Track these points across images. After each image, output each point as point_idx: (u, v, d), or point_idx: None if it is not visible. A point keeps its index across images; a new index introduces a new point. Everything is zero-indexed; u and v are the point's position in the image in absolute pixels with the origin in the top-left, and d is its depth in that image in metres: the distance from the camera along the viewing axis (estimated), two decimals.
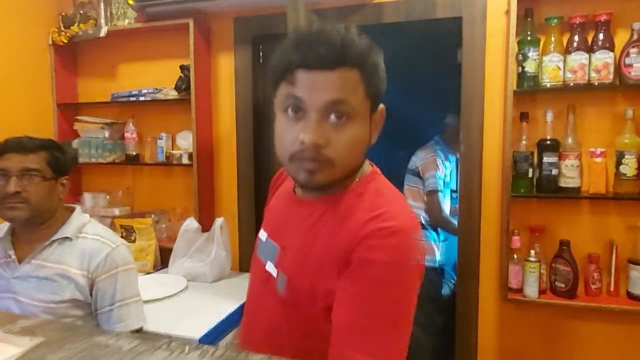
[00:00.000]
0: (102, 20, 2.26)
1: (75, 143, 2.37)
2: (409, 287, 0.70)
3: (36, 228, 1.32)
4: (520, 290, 1.77)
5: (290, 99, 0.72)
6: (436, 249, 2.43)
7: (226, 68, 2.22)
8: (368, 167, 0.83)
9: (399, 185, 2.48)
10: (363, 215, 0.72)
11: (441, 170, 2.42)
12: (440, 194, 2.38)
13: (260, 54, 2.22)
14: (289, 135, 0.72)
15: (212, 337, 1.59)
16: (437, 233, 2.46)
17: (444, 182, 2.44)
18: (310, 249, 0.76)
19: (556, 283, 1.75)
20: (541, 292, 1.75)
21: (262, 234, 0.89)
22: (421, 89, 2.93)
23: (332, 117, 0.70)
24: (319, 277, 0.73)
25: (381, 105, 0.79)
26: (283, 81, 0.72)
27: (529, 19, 1.70)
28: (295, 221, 0.82)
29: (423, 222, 2.41)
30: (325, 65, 0.69)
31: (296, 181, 0.78)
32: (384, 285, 0.67)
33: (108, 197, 2.43)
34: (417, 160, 2.48)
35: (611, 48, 1.62)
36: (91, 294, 1.33)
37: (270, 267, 0.82)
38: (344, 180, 0.77)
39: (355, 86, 0.71)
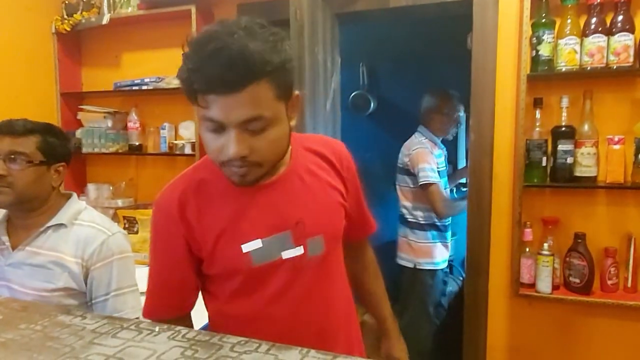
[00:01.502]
0: (105, 8, 2.23)
1: (78, 133, 2.35)
2: None
3: (28, 214, 1.28)
4: (532, 286, 1.71)
5: (207, 121, 0.75)
6: (445, 248, 2.34)
7: None
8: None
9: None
10: (325, 151, 0.95)
11: (433, 162, 2.22)
12: (437, 186, 2.17)
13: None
14: (215, 145, 0.77)
15: None
16: (447, 231, 2.36)
17: (439, 172, 2.25)
18: (317, 203, 0.90)
19: (570, 278, 1.68)
20: (554, 287, 1.69)
21: (255, 243, 0.86)
22: (429, 78, 2.86)
23: (250, 128, 0.75)
24: (335, 213, 0.94)
25: (295, 93, 0.82)
26: (197, 102, 0.74)
27: (544, 0, 1.62)
28: (280, 201, 0.88)
29: (423, 222, 2.26)
30: (231, 88, 0.70)
31: (231, 181, 0.82)
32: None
33: (112, 188, 2.41)
34: (402, 156, 2.29)
35: (631, 30, 1.54)
36: (86, 283, 1.29)
37: (289, 253, 0.87)
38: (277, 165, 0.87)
39: (266, 97, 0.74)
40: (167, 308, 0.94)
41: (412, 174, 2.24)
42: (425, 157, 2.20)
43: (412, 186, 2.26)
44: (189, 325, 0.97)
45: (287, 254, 0.87)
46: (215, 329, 0.93)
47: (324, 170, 0.94)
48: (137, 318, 1.33)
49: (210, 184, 0.88)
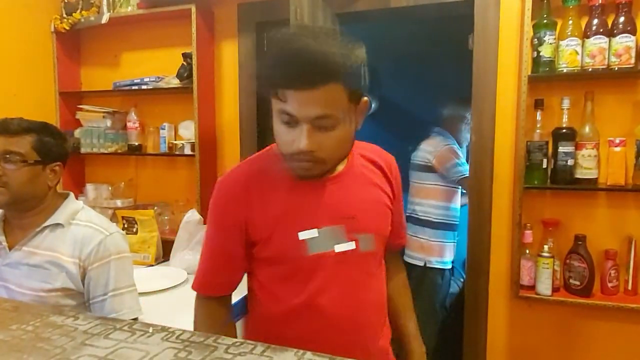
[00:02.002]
0: (105, 7, 2.23)
1: (77, 132, 2.35)
2: None
3: (25, 214, 1.27)
4: (532, 288, 1.70)
5: (283, 114, 0.82)
6: (454, 248, 2.33)
7: (229, 55, 2.17)
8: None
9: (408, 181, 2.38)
10: (378, 159, 1.03)
11: (463, 156, 2.24)
12: None
13: (265, 41, 2.17)
14: (286, 138, 0.84)
15: None
16: (456, 230, 2.34)
17: None
18: (369, 203, 0.97)
19: (570, 280, 1.67)
20: (554, 289, 1.68)
21: (311, 232, 0.91)
22: (430, 78, 2.85)
23: (321, 125, 0.81)
24: (385, 215, 1.01)
25: (364, 98, 0.89)
26: (274, 97, 0.82)
27: (545, 1, 1.61)
28: (336, 196, 0.94)
29: (436, 220, 2.26)
30: (309, 85, 0.77)
31: (295, 173, 0.89)
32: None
33: (110, 188, 2.40)
34: (426, 154, 2.27)
35: (633, 31, 1.53)
36: (83, 283, 1.28)
37: (342, 247, 0.92)
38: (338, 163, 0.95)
39: (339, 98, 0.81)
40: (215, 285, 1.00)
41: (433, 171, 2.25)
42: (457, 152, 2.24)
43: (431, 183, 2.27)
44: (229, 306, 1.04)
45: (339, 247, 0.92)
46: (255, 312, 1.01)
47: (376, 175, 1.02)
48: (135, 319, 1.33)
49: (273, 172, 0.93)
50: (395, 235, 1.08)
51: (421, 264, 2.27)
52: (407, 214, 2.33)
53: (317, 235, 0.90)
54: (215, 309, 1.01)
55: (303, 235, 0.90)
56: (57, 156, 1.29)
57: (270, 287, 0.96)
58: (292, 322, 0.94)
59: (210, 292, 1.00)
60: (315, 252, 0.90)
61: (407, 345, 1.14)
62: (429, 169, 2.27)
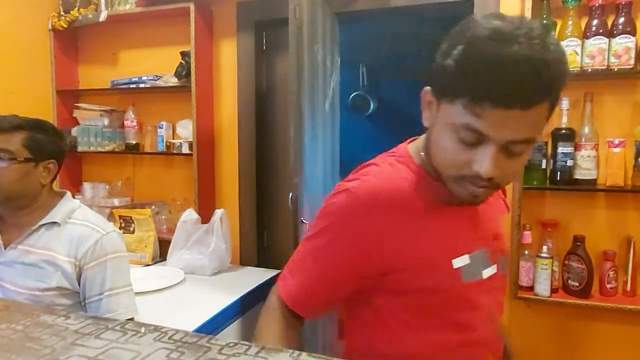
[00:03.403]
0: (102, 5, 2.22)
1: (74, 131, 2.33)
2: None
3: (19, 212, 1.26)
4: (531, 288, 1.69)
5: (467, 130, 0.65)
6: None
7: (228, 54, 2.16)
8: None
9: None
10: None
11: None
12: None
13: (264, 40, 2.16)
14: (460, 158, 0.68)
15: (208, 330, 1.52)
16: None
17: None
18: (499, 223, 0.89)
19: (569, 281, 1.66)
20: (553, 290, 1.67)
21: (463, 259, 0.79)
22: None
23: (511, 150, 0.66)
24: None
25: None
26: (461, 106, 0.64)
27: (545, 2, 1.61)
28: (479, 217, 0.84)
29: None
30: (525, 105, 0.61)
31: (457, 197, 0.74)
32: None
33: (108, 187, 2.39)
34: None
35: (633, 32, 1.53)
36: (79, 283, 1.27)
37: (488, 271, 0.83)
38: None
39: (542, 118, 0.66)
40: (310, 306, 0.83)
41: None
42: None
43: None
44: (299, 333, 0.86)
45: (486, 273, 0.82)
46: (379, 350, 0.83)
47: (499, 197, 0.94)
48: (131, 319, 1.32)
49: (414, 193, 0.77)
50: None
51: None
52: None
53: (469, 261, 0.79)
54: (295, 327, 0.83)
55: (457, 262, 0.78)
56: (50, 153, 1.27)
57: (408, 321, 0.80)
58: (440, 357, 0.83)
59: (302, 311, 0.82)
60: (468, 280, 0.79)
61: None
62: None
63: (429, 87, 0.74)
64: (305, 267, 0.81)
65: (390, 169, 0.80)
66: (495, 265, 0.84)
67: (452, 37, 0.69)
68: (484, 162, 0.65)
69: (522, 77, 0.59)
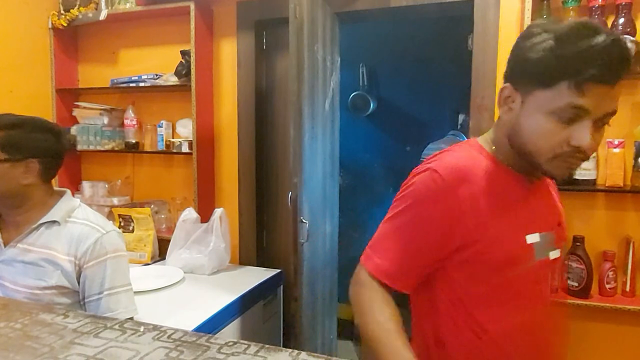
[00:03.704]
0: (103, 3, 2.21)
1: (73, 129, 2.33)
2: None
3: (14, 211, 1.25)
4: None
5: (571, 109, 0.74)
6: None
7: (228, 53, 2.16)
8: None
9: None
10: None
11: None
12: None
13: (264, 40, 2.16)
14: (556, 138, 0.76)
15: (207, 329, 1.52)
16: None
17: None
18: (560, 217, 0.93)
19: (569, 281, 1.66)
20: (552, 290, 1.66)
21: (535, 236, 0.85)
22: (429, 79, 2.84)
23: (602, 123, 0.76)
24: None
25: None
26: (565, 87, 0.73)
27: (545, 2, 1.61)
28: (547, 201, 0.91)
29: None
30: (616, 81, 0.72)
31: (553, 176, 0.83)
32: None
33: (107, 186, 2.39)
34: (439, 149, 2.31)
35: (632, 33, 1.53)
36: (78, 282, 1.26)
37: (555, 253, 0.88)
38: None
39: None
40: (401, 278, 0.85)
41: None
42: None
43: None
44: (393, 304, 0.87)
45: (553, 254, 0.88)
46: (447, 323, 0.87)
47: (556, 191, 0.99)
48: (130, 318, 1.32)
49: (490, 172, 0.84)
50: None
51: None
52: None
53: (539, 239, 0.85)
54: (391, 300, 0.85)
55: (530, 238, 0.84)
56: (32, 152, 1.23)
57: (481, 296, 0.84)
58: (512, 339, 0.86)
59: (399, 285, 0.84)
60: (539, 258, 0.85)
61: None
62: None
63: (507, 84, 0.81)
64: (394, 244, 0.85)
65: (466, 152, 0.88)
66: (559, 250, 0.89)
67: (530, 36, 0.77)
68: (584, 135, 0.73)
69: (620, 57, 0.71)
